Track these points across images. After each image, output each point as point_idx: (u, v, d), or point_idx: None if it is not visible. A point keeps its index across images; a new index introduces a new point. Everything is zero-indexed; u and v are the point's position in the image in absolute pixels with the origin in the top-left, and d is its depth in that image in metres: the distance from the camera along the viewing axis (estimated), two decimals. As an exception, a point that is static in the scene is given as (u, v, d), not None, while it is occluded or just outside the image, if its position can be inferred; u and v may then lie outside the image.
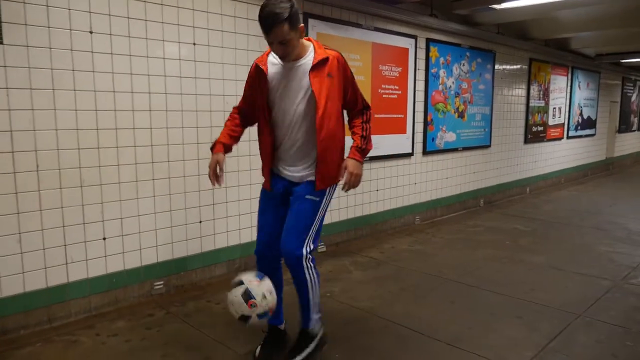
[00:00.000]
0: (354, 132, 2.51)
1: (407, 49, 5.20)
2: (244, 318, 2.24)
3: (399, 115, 5.24)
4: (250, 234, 3.93)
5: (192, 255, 3.61)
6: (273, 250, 2.49)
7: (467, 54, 6.08)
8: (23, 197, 2.81)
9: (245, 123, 2.64)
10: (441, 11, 5.50)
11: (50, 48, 2.82)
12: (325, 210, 2.50)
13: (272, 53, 2.36)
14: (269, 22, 2.14)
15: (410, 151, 5.46)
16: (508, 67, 7.02)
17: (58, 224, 2.96)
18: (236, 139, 2.61)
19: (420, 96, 5.49)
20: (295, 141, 2.42)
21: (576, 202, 7.36)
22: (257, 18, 2.20)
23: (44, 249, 2.92)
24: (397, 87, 5.15)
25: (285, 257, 2.41)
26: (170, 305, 3.32)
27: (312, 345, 2.52)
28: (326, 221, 3.10)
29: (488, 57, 6.49)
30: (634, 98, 12.10)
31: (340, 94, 2.41)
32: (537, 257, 4.47)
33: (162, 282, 3.47)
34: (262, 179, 2.58)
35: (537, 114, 7.91)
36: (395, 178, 5.33)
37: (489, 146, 6.80)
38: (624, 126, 11.74)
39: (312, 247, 2.42)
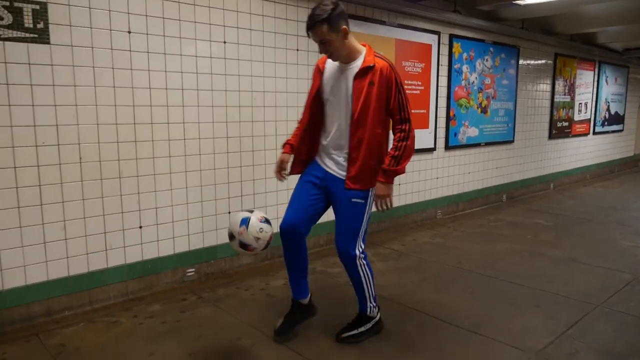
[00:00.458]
0: (390, 150, 2.55)
1: (430, 45, 5.27)
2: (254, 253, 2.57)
3: (422, 111, 5.32)
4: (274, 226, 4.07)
5: (222, 245, 3.78)
6: (297, 228, 2.63)
7: (491, 49, 6.10)
8: (67, 187, 3.02)
9: (313, 127, 2.69)
10: (465, 7, 5.54)
11: (92, 47, 3.01)
12: (370, 210, 2.65)
13: None
14: (309, 22, 2.41)
15: (433, 146, 5.54)
16: (532, 62, 7.00)
17: (99, 213, 3.16)
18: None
19: (443, 92, 5.56)
20: (339, 139, 2.60)
21: (601, 198, 7.30)
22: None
23: (85, 235, 3.13)
24: (419, 83, 5.23)
25: (340, 257, 2.66)
26: (201, 291, 3.50)
27: (365, 327, 2.77)
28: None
29: (512, 52, 6.49)
30: (664, 93, 11.83)
31: (382, 103, 2.50)
32: (559, 251, 4.50)
33: (193, 270, 3.66)
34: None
35: (562, 110, 7.86)
36: (417, 172, 5.41)
37: (512, 141, 6.81)
38: (654, 121, 11.50)
39: (362, 246, 2.65)
